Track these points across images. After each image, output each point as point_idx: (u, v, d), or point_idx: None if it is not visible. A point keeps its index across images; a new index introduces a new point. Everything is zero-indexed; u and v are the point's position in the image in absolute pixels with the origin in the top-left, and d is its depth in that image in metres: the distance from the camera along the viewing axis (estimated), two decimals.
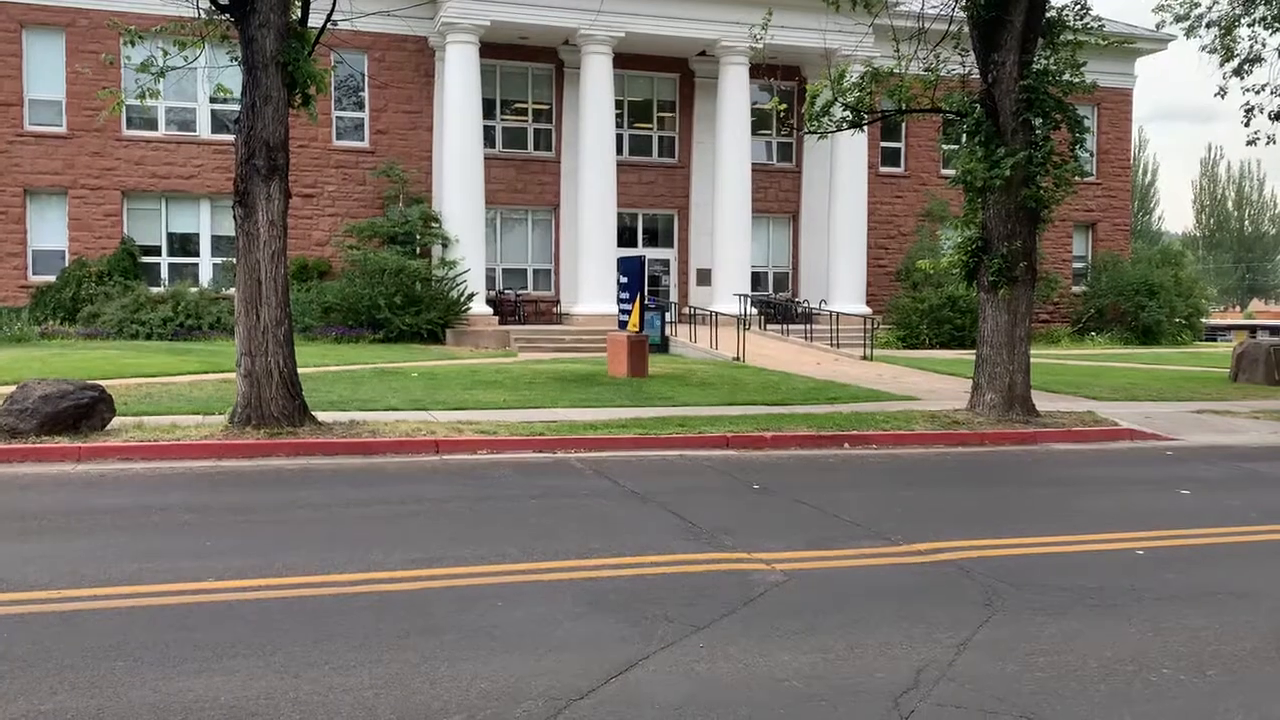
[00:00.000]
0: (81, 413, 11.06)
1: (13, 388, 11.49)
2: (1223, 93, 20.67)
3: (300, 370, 12.49)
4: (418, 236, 27.92)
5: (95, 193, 27.25)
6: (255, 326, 11.80)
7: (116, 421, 11.59)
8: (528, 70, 30.73)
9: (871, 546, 7.34)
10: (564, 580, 6.33)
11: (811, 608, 5.89)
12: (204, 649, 5.04)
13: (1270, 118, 19.95)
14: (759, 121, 31.39)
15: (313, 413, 12.21)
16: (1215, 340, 39.94)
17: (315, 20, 12.60)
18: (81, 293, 25.95)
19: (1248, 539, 7.92)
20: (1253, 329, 43.52)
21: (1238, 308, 78.26)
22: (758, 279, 32.32)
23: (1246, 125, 20.13)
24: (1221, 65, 19.95)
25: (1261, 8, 19.18)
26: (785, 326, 29.04)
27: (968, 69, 15.12)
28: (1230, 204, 79.19)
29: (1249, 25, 19.56)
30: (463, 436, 11.63)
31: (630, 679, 4.78)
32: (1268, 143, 20.20)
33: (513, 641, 5.23)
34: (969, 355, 17.76)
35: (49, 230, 27.31)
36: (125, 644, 5.09)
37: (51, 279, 26.65)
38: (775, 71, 27.97)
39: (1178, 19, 19.93)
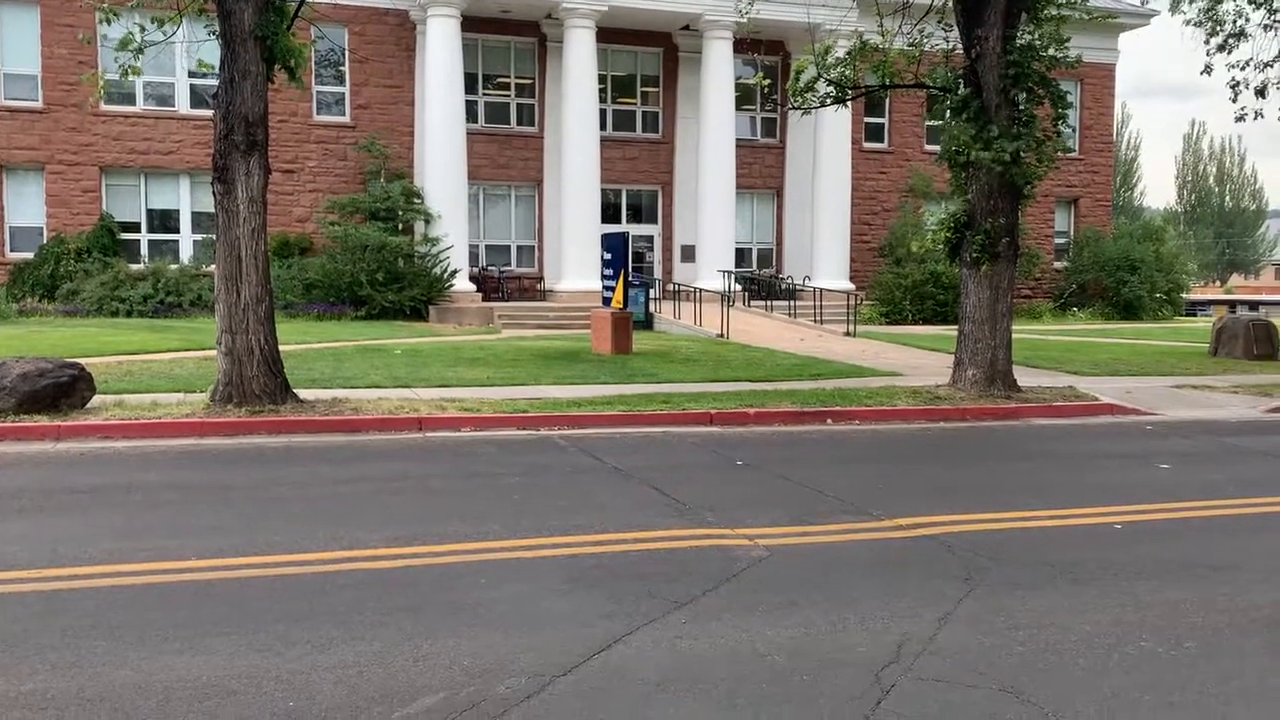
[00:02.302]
0: (61, 391, 10.98)
1: None
2: (1209, 70, 20.72)
3: (282, 347, 12.43)
4: (400, 213, 27.75)
5: (73, 169, 26.95)
6: (236, 304, 11.72)
7: (96, 400, 11.51)
8: (510, 44, 30.49)
9: (853, 522, 7.38)
10: (547, 557, 6.34)
11: (793, 583, 5.91)
12: (185, 628, 5.02)
13: (1256, 93, 20.01)
14: (743, 97, 31.27)
15: (295, 390, 12.15)
16: (1195, 315, 40.17)
17: None
18: (60, 270, 25.73)
19: (1225, 513, 7.99)
20: (1232, 304, 43.76)
21: (1218, 283, 78.70)
22: (742, 255, 32.29)
23: (1234, 101, 20.18)
24: (1207, 41, 19.97)
25: None
26: (769, 302, 29.06)
27: (951, 44, 15.08)
28: (1211, 179, 79.53)
29: (1234, 1, 19.57)
30: (446, 414, 11.60)
31: (613, 655, 4.79)
32: (1255, 117, 20.25)
33: (496, 618, 5.24)
34: (951, 331, 17.81)
35: (26, 206, 27.03)
36: (106, 623, 5.07)
37: (29, 256, 26.41)
38: (759, 46, 27.83)
39: None
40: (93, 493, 8.09)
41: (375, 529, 6.89)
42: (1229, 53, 19.87)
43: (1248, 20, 19.77)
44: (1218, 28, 19.55)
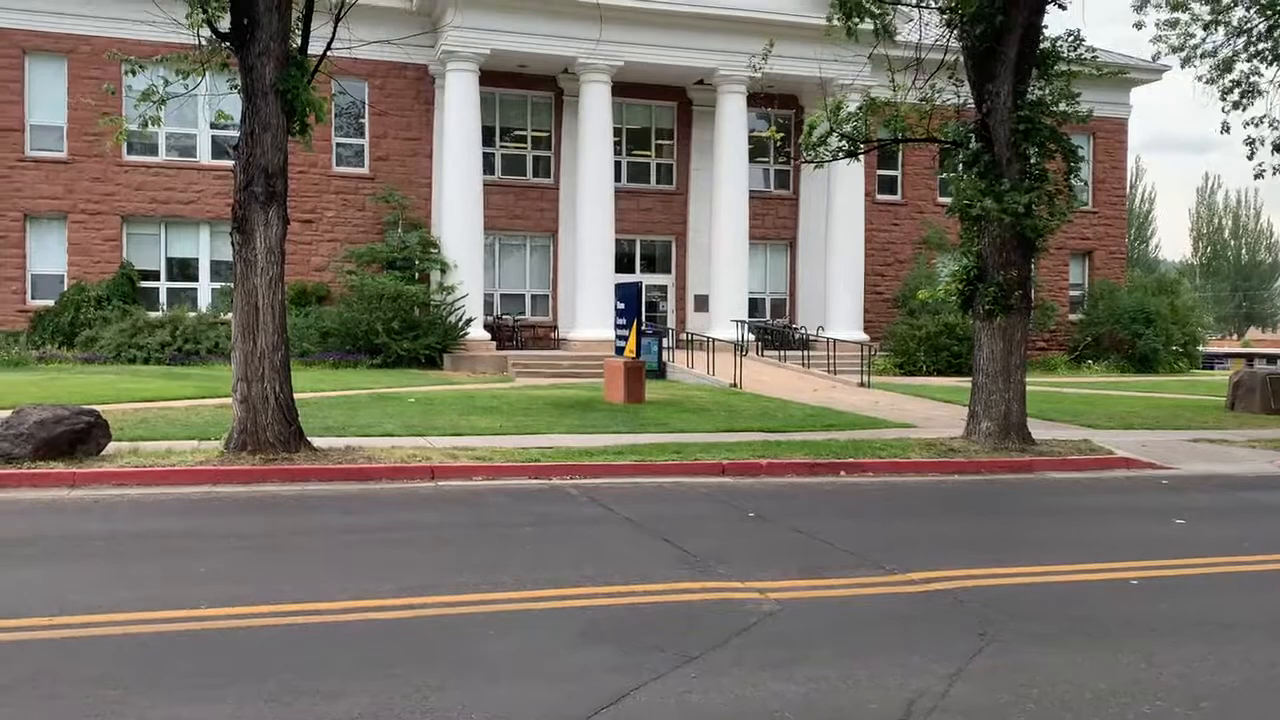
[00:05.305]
0: (77, 438, 11.06)
1: (8, 412, 11.48)
2: (1226, 128, 20.88)
3: (297, 395, 12.50)
4: (416, 262, 28.02)
5: (95, 218, 27.35)
6: (252, 352, 11.82)
7: (112, 447, 11.58)
8: (527, 98, 30.94)
9: (866, 576, 7.33)
10: (557, 609, 6.31)
11: (805, 637, 5.87)
12: (195, 676, 5.02)
13: (1273, 149, 20.08)
14: (756, 149, 31.55)
15: (309, 438, 12.20)
16: (1212, 369, 39.94)
17: (315, 48, 12.70)
18: (80, 317, 26.01)
19: (1242, 569, 7.90)
20: (1249, 357, 43.54)
21: (1235, 336, 78.35)
22: (755, 305, 32.38)
23: (1250, 159, 20.28)
24: (1222, 99, 20.11)
25: (1260, 43, 19.35)
26: (782, 353, 29.08)
27: (963, 99, 15.22)
28: (1227, 233, 79.56)
29: (1246, 60, 19.73)
30: (458, 463, 11.62)
31: (622, 709, 4.76)
32: (1275, 173, 20.35)
33: (505, 670, 5.21)
34: (966, 382, 17.77)
35: (48, 255, 27.40)
36: (116, 672, 5.07)
37: (50, 303, 26.71)
38: (773, 100, 28.16)
39: (1174, 49, 20.13)
40: (106, 540, 8.12)
41: (386, 579, 6.89)
42: (1243, 110, 19.99)
43: (1260, 75, 19.91)
44: (1231, 87, 19.69)
